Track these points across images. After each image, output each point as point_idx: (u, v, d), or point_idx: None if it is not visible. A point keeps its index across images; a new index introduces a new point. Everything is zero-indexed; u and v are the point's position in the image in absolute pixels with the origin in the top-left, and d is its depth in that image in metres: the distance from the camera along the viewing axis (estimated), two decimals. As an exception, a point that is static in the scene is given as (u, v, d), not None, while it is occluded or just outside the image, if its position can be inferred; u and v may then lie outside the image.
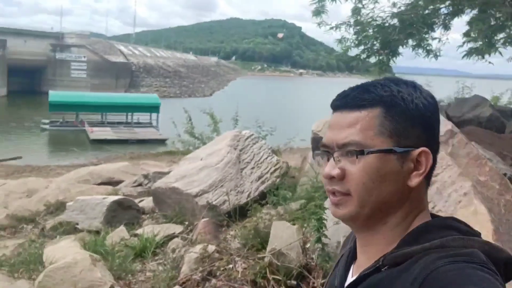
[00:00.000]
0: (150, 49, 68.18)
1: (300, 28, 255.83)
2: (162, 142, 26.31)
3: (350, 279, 0.87)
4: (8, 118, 33.11)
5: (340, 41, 5.98)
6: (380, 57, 6.15)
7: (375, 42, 6.00)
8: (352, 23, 5.84)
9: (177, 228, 5.08)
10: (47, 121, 28.98)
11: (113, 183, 7.86)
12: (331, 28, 5.86)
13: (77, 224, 5.55)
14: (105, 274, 3.91)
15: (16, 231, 6.26)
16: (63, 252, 4.77)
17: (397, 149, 0.78)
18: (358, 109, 0.81)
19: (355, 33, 5.93)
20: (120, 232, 4.96)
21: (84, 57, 50.62)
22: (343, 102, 0.83)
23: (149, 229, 4.91)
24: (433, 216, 0.85)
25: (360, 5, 6.20)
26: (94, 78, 49.47)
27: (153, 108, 30.28)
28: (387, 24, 5.93)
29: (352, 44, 5.98)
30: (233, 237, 4.69)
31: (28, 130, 29.46)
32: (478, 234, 0.79)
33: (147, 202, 5.96)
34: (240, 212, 5.00)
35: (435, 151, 0.82)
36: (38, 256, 4.90)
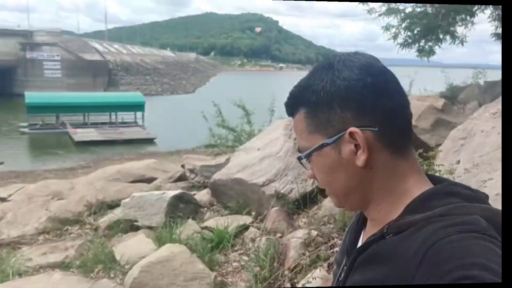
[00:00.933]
0: (126, 46, 66.59)
1: (277, 22, 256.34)
2: (150, 141, 25.79)
3: (359, 244, 0.88)
4: (-18, 123, 31.82)
5: (386, 28, 6.07)
6: (421, 44, 6.26)
7: (418, 29, 6.10)
8: (400, 10, 5.90)
9: (246, 219, 5.04)
10: (25, 124, 27.92)
11: (145, 180, 7.71)
12: (380, 15, 5.93)
13: (136, 221, 5.43)
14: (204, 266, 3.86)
15: (61, 234, 6.07)
16: (137, 248, 4.69)
17: (327, 141, 0.79)
18: (292, 117, 0.86)
19: (401, 20, 6.01)
20: (191, 226, 4.89)
21: (58, 55, 48.83)
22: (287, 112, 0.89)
23: (221, 221, 4.86)
24: (438, 180, 0.83)
25: None
26: (69, 77, 47.86)
27: (138, 107, 29.57)
28: (430, 11, 6.03)
29: (398, 31, 6.07)
30: (307, 224, 4.71)
31: (5, 134, 28.34)
32: (483, 199, 0.77)
33: (200, 196, 5.89)
34: (308, 200, 5.03)
35: (374, 121, 0.76)
36: (108, 255, 4.78)
